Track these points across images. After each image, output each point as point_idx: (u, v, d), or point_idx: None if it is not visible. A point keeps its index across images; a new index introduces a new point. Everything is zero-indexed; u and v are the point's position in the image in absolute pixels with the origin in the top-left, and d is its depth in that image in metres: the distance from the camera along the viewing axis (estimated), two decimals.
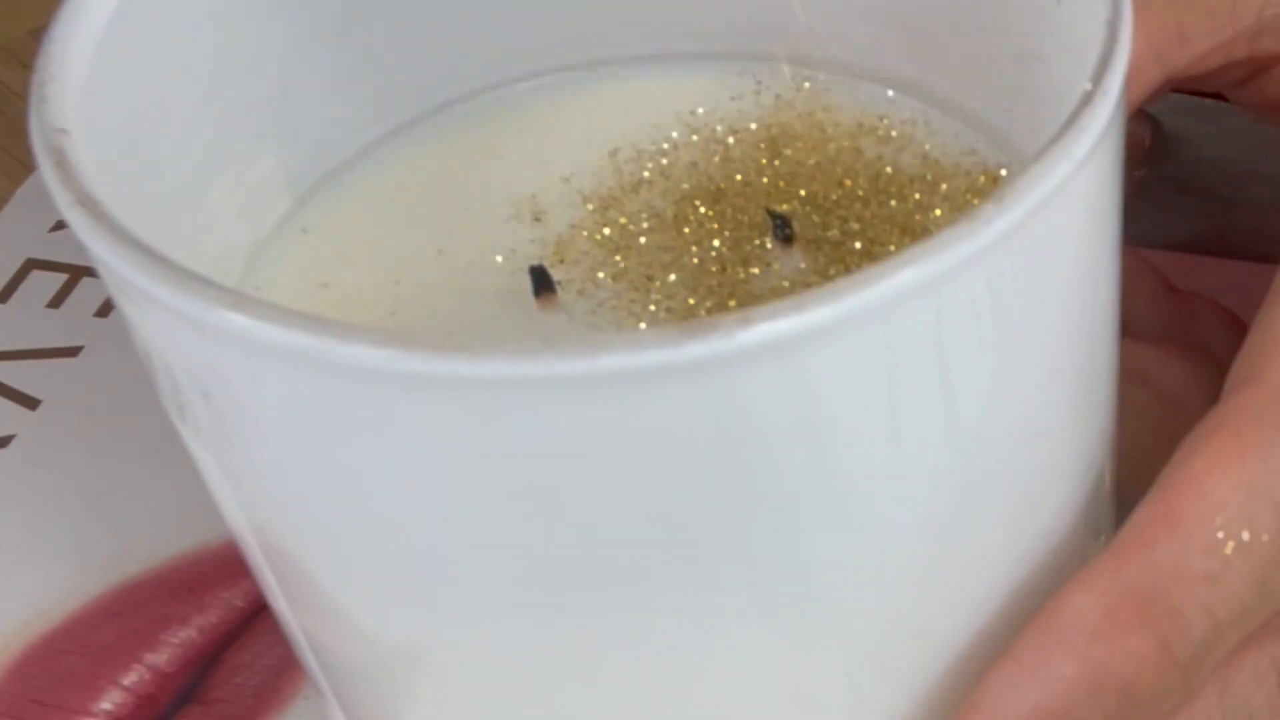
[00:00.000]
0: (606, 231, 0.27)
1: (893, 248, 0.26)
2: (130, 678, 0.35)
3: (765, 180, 0.28)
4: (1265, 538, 0.23)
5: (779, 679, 0.23)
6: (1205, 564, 0.23)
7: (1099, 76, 0.21)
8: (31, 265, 0.44)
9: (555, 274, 0.26)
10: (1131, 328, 0.27)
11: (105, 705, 0.34)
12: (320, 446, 0.21)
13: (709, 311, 0.26)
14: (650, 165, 0.28)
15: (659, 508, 0.21)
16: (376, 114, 0.29)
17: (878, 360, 0.20)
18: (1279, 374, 0.24)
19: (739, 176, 0.28)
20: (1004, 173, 0.27)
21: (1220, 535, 0.23)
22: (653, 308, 0.26)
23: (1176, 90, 0.30)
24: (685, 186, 0.28)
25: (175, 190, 0.26)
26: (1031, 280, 0.21)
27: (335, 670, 0.25)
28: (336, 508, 0.22)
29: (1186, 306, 0.34)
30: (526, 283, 0.26)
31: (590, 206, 0.28)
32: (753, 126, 0.29)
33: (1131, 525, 0.24)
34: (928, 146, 0.28)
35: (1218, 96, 0.34)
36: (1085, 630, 0.23)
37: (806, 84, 0.29)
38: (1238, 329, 0.33)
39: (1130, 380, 0.26)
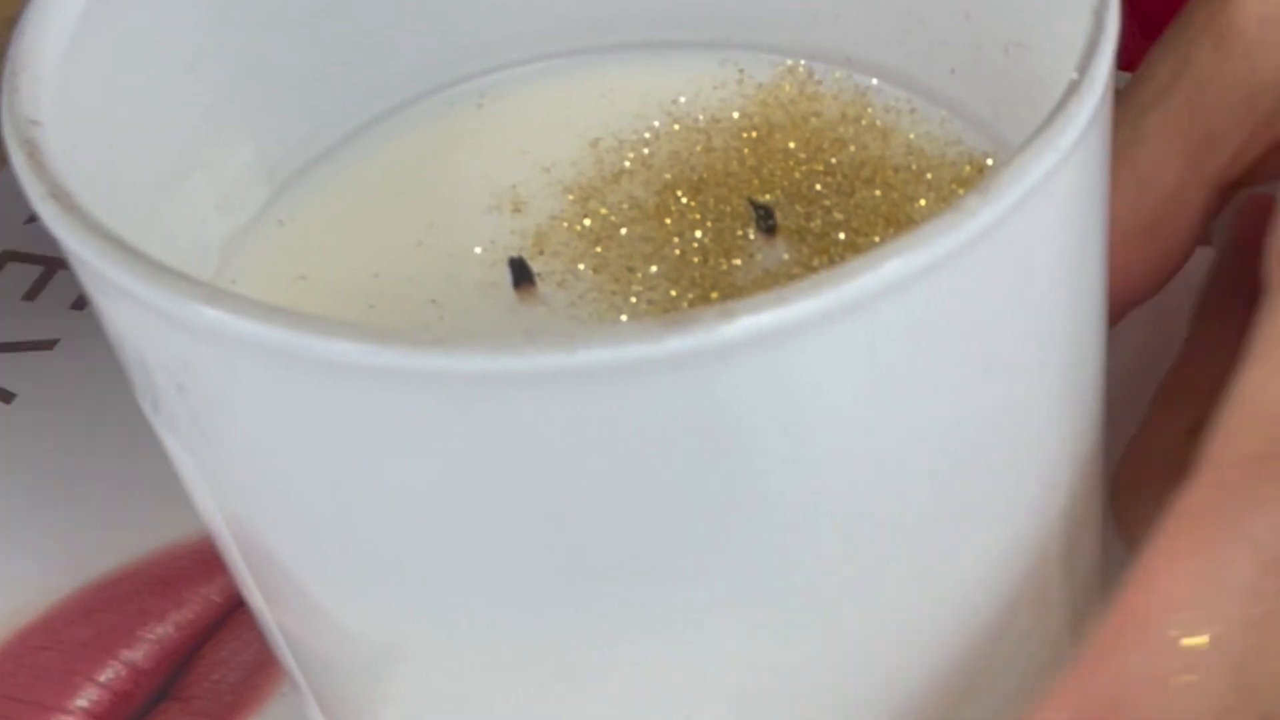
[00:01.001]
0: (587, 222, 0.27)
1: (877, 239, 0.26)
2: (107, 674, 0.34)
3: (748, 170, 0.27)
4: (1233, 631, 0.22)
5: (762, 674, 0.23)
6: (1169, 665, 0.22)
7: (1085, 66, 0.21)
8: (6, 257, 0.44)
9: (535, 265, 0.26)
10: None
11: (81, 702, 0.34)
12: (297, 441, 0.21)
13: (691, 304, 0.25)
14: (631, 155, 0.28)
15: (640, 502, 0.20)
16: (355, 104, 0.29)
17: (861, 353, 0.20)
18: (1228, 457, 0.23)
19: (721, 166, 0.28)
20: (990, 162, 0.27)
21: (1176, 633, 0.22)
22: (634, 299, 0.26)
23: (1228, 197, 0.29)
24: (667, 176, 0.28)
25: (150, 182, 0.26)
26: (1017, 272, 0.21)
27: (313, 667, 0.25)
28: (313, 503, 0.21)
29: None
30: (506, 274, 0.26)
31: (571, 197, 0.28)
32: (735, 116, 0.28)
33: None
34: (913, 136, 0.27)
35: None
36: None
37: (789, 73, 0.29)
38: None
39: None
